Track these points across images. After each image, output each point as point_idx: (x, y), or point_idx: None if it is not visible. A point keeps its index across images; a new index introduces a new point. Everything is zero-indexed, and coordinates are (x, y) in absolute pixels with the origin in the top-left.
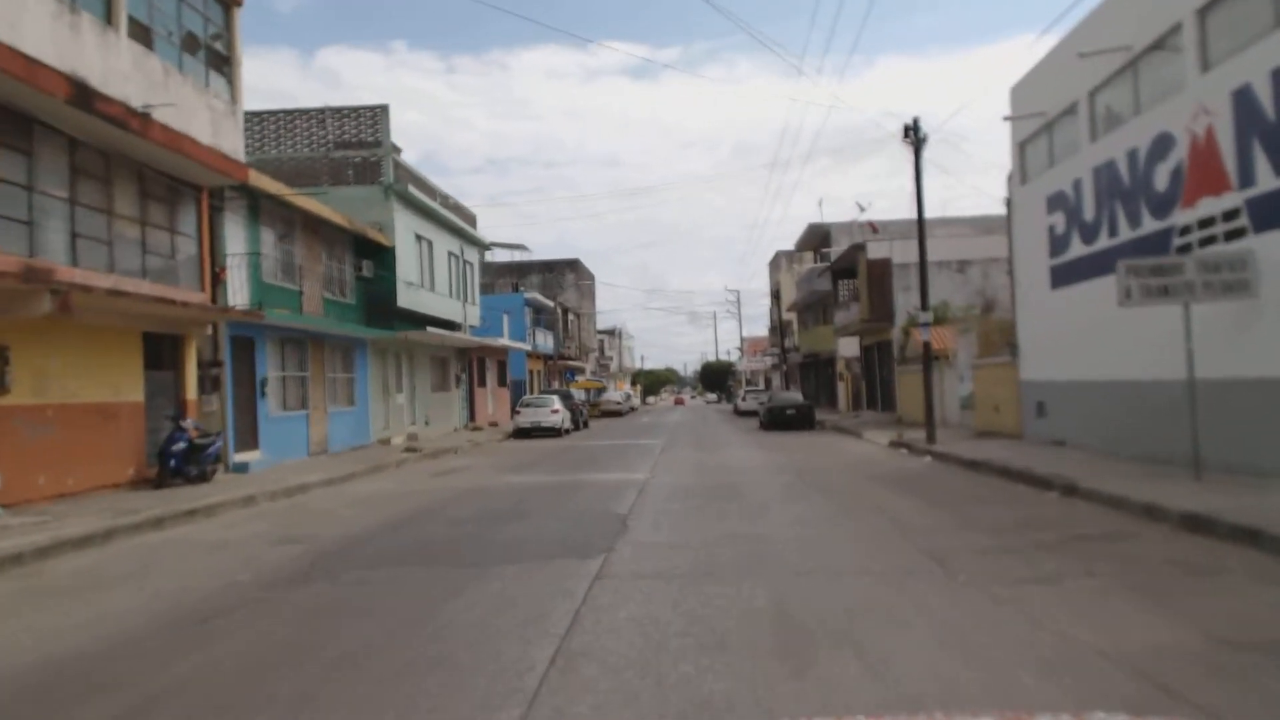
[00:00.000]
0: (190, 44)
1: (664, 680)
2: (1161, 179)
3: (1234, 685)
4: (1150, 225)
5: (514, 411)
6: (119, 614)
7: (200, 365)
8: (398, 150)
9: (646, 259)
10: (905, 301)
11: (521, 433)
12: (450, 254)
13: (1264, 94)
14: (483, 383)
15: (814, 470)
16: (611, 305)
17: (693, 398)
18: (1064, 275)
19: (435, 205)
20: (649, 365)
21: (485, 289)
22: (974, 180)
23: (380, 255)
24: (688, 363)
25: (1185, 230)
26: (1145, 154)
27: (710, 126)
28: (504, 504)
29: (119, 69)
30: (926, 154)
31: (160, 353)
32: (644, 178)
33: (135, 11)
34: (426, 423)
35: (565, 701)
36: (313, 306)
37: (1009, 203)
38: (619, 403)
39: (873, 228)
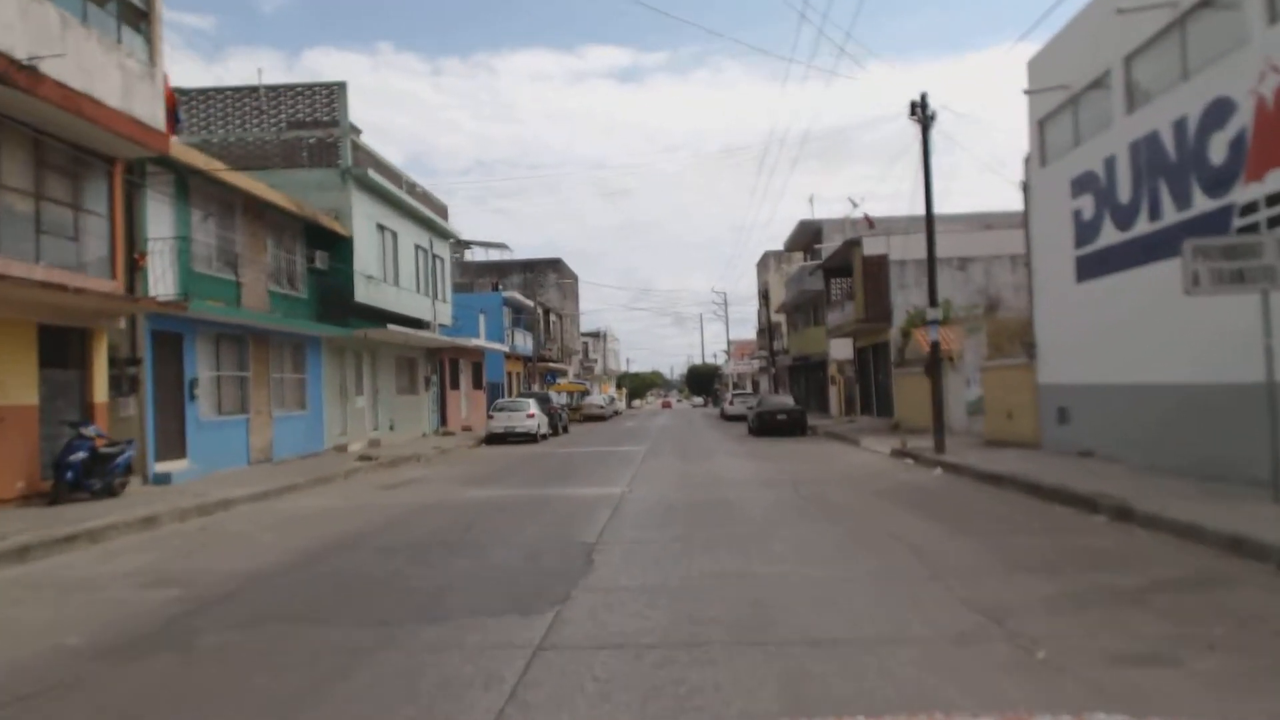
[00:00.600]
0: None
1: None
2: (1218, 151)
3: None
4: (1204, 205)
5: (488, 416)
6: None
7: (115, 364)
8: (356, 131)
9: (633, 263)
10: (903, 300)
11: (495, 439)
12: (418, 247)
13: None
14: (456, 385)
15: (812, 483)
16: (597, 307)
17: (678, 401)
18: (1093, 266)
19: (400, 193)
20: (635, 368)
21: (464, 288)
22: (967, 183)
23: (336, 245)
24: (674, 366)
25: (1249, 208)
26: (1197, 123)
27: (697, 130)
28: (452, 527)
29: (1, 17)
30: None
31: (63, 349)
32: (630, 181)
33: None
34: (391, 428)
35: None
36: (255, 300)
37: (1026, 188)
38: (602, 406)
39: (868, 222)
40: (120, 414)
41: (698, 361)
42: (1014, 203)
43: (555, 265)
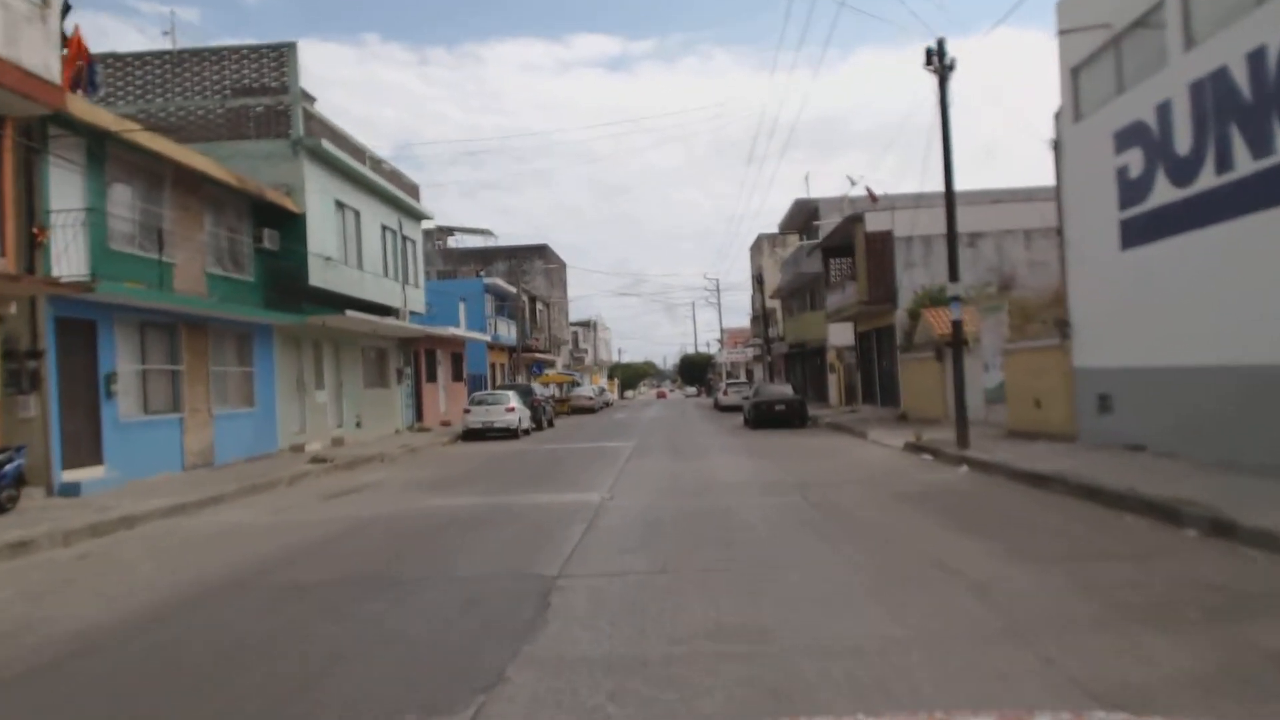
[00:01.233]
0: None
1: None
2: None
3: None
4: None
5: (464, 411)
6: None
7: (11, 356)
8: (310, 99)
9: (626, 254)
10: (909, 281)
11: (472, 435)
12: (385, 228)
13: None
14: (433, 378)
15: (821, 486)
16: (586, 293)
17: (671, 391)
18: (1143, 229)
19: (361, 168)
20: (627, 358)
21: (447, 276)
22: (969, 159)
23: (288, 224)
24: (667, 356)
25: None
26: None
27: (687, 119)
28: (386, 553)
29: None
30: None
31: None
32: (620, 169)
33: None
34: (358, 425)
35: None
36: (190, 283)
37: (1056, 146)
38: (591, 398)
39: (871, 196)
40: (19, 415)
41: (690, 351)
42: (1020, 179)
43: (541, 251)
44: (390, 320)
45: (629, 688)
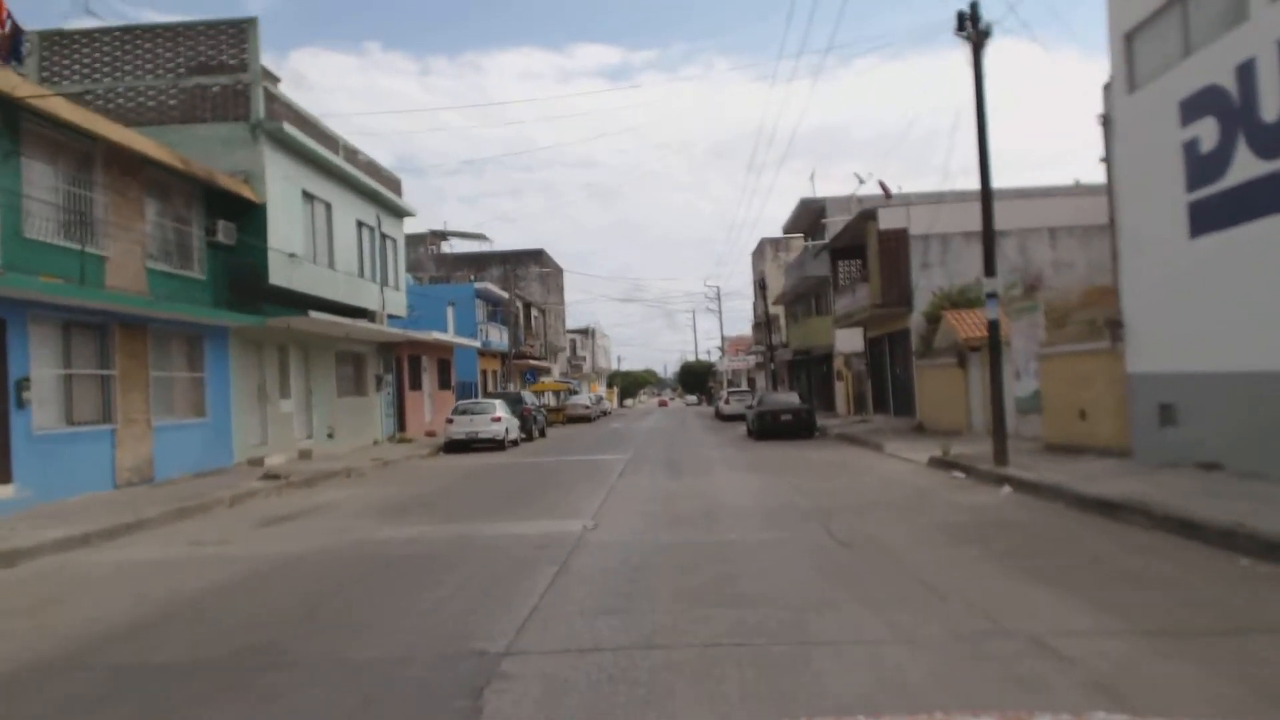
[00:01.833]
0: None
1: None
2: None
3: None
4: None
5: (446, 421)
6: None
7: None
8: (274, 79)
9: (627, 261)
10: (926, 282)
11: (454, 446)
12: (361, 224)
13: None
14: (417, 385)
15: (845, 513)
16: (586, 301)
17: (672, 399)
18: (1217, 212)
19: (333, 157)
20: (626, 366)
21: (440, 282)
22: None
23: (247, 216)
24: (667, 364)
25: None
26: None
27: (687, 128)
28: (287, 613)
29: None
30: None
31: None
32: (620, 179)
33: None
34: (330, 436)
35: None
36: (127, 279)
37: (1106, 122)
38: (587, 407)
39: (884, 191)
40: None
41: (691, 359)
42: (1040, 178)
43: (537, 256)
44: (361, 323)
45: None
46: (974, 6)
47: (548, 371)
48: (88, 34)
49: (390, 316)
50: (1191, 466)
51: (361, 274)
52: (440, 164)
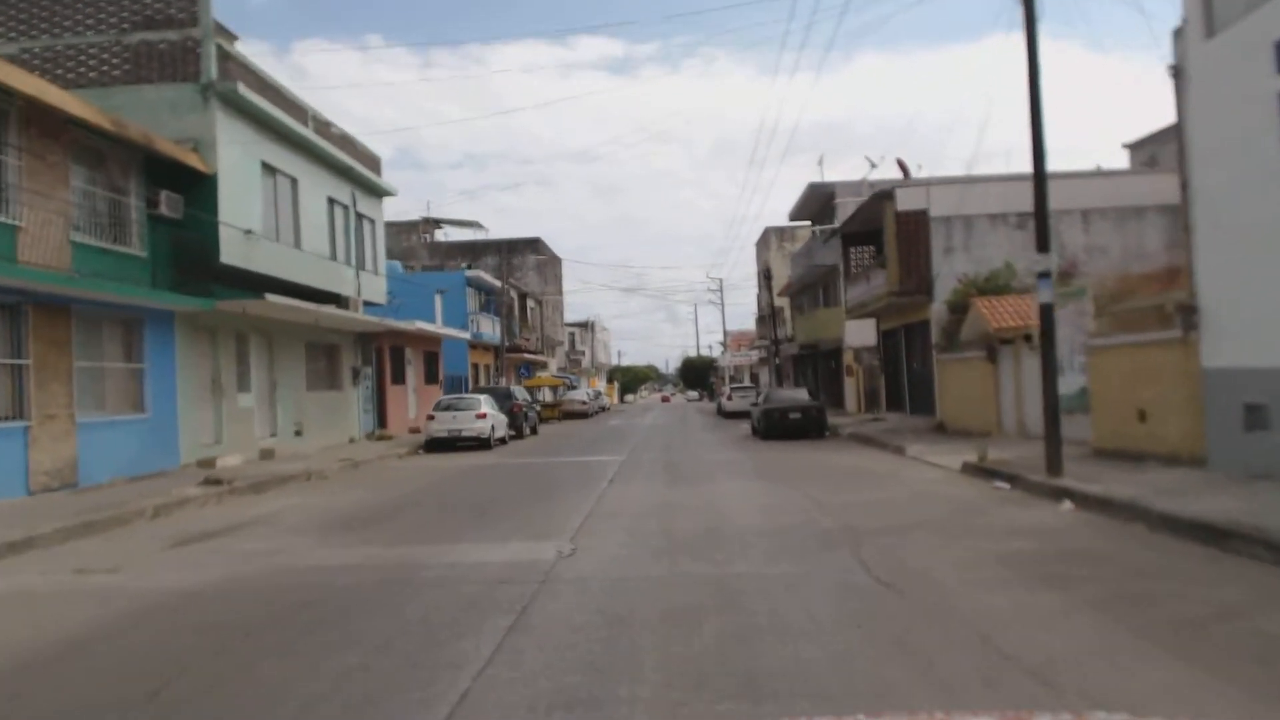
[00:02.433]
0: None
1: None
2: None
3: None
4: None
5: (427, 417)
6: None
7: None
8: (230, 37)
9: (628, 256)
10: (949, 268)
11: (435, 445)
12: (333, 202)
13: None
14: (400, 379)
15: (878, 536)
16: (585, 291)
17: (673, 395)
18: None
19: (300, 127)
20: (628, 361)
21: (434, 271)
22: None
23: (198, 188)
24: (669, 359)
25: None
26: None
27: (689, 122)
28: (127, 694)
29: None
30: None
31: None
32: (621, 172)
33: None
34: (298, 433)
35: None
36: (46, 254)
37: (1177, 72)
38: (584, 403)
39: (903, 170)
40: None
41: (692, 354)
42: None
43: (534, 245)
44: (328, 308)
45: None
46: None
47: (544, 366)
48: None
49: (368, 304)
50: None
51: (334, 256)
52: (443, 157)
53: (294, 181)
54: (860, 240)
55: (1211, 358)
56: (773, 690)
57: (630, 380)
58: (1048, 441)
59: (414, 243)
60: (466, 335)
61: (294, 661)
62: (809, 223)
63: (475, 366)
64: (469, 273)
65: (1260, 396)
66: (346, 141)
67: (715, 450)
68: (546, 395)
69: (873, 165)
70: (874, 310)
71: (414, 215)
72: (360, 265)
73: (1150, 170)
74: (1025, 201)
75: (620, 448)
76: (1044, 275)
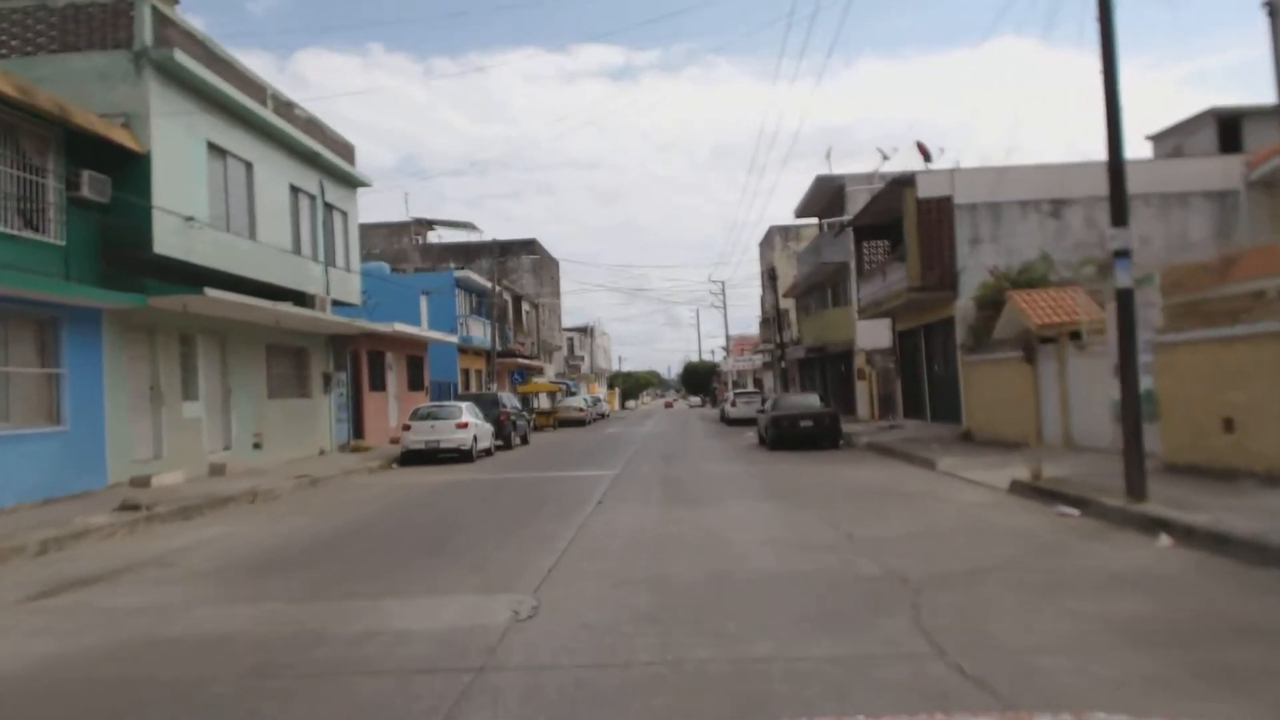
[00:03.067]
0: None
1: None
2: None
3: None
4: None
5: (403, 427)
6: None
7: None
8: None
9: (629, 261)
10: (974, 261)
11: (414, 457)
12: (297, 190)
13: None
14: (379, 385)
15: (937, 591)
16: (585, 292)
17: (676, 401)
18: None
19: (255, 106)
20: (629, 367)
21: (426, 273)
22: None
23: (130, 169)
24: (670, 365)
25: None
26: None
27: (689, 128)
28: None
29: None
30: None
31: None
32: (623, 179)
33: None
34: (256, 446)
35: None
36: None
37: (1274, 10)
38: (581, 410)
39: (924, 154)
40: None
41: (694, 359)
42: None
43: (529, 246)
44: (289, 307)
45: None
46: None
47: (540, 371)
48: None
49: (339, 303)
50: None
51: (298, 250)
52: (445, 164)
53: (249, 166)
54: (874, 234)
55: None
56: None
57: (631, 386)
58: (1127, 457)
59: (405, 245)
60: (454, 339)
61: None
62: (816, 220)
63: (465, 372)
64: (458, 273)
65: None
66: (313, 125)
67: (719, 462)
68: (543, 402)
69: (885, 157)
70: (890, 309)
71: (405, 213)
72: (330, 261)
73: (1192, 156)
74: (1056, 187)
75: (615, 459)
76: (1121, 254)
